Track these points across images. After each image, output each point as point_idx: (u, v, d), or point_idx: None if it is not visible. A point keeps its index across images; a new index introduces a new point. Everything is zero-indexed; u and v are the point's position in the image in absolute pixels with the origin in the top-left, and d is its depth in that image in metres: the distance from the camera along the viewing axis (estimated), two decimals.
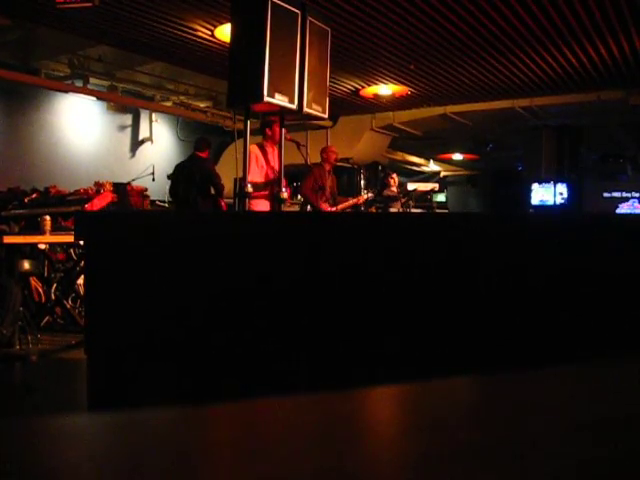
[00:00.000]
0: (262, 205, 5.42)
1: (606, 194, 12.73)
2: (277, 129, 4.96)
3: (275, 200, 4.75)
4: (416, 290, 1.93)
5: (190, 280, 2.03)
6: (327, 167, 6.95)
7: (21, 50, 8.79)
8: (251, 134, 4.29)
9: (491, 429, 0.50)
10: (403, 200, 8.43)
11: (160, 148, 11.80)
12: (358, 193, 8.00)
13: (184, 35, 7.39)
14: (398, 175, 9.28)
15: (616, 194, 12.73)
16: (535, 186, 11.77)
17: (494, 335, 1.85)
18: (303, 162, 5.80)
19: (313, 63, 4.28)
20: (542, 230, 1.98)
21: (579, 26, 6.76)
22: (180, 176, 7.39)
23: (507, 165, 16.98)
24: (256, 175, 5.37)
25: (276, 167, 5.15)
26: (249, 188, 4.23)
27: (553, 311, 1.86)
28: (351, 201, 7.27)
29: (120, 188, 6.42)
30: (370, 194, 7.96)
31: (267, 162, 5.54)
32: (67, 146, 10.09)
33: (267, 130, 5.58)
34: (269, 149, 5.57)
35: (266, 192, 5.35)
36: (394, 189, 8.80)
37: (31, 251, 6.07)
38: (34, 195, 6.43)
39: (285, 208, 4.84)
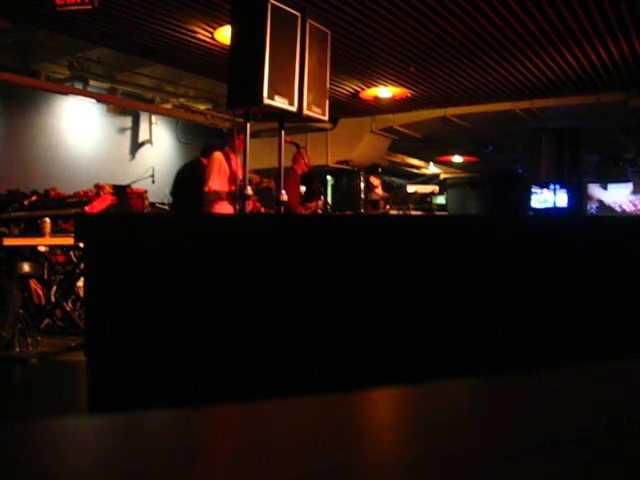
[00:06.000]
0: (225, 209, 5.51)
1: None
2: (239, 141, 5.23)
3: (275, 203, 4.75)
4: (414, 293, 1.93)
5: (190, 282, 2.03)
6: (299, 172, 6.91)
7: (21, 52, 8.80)
8: (251, 137, 4.30)
9: (490, 430, 0.50)
10: (384, 204, 8.35)
11: (160, 150, 11.79)
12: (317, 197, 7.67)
13: (184, 37, 7.39)
14: (379, 177, 9.05)
15: None
16: (535, 188, 11.77)
17: (493, 337, 1.85)
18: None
19: (313, 65, 4.29)
20: (542, 233, 1.99)
21: (579, 28, 6.76)
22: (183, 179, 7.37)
23: (507, 168, 16.98)
24: (217, 180, 5.61)
25: (238, 174, 5.30)
26: (249, 191, 4.24)
27: (552, 313, 1.86)
28: (312, 205, 7.11)
29: (120, 191, 6.42)
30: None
31: (230, 168, 5.71)
32: (67, 148, 10.09)
33: (233, 140, 5.67)
34: (232, 156, 5.69)
35: (227, 195, 5.51)
36: (379, 191, 8.72)
37: (31, 253, 6.07)
38: (34, 197, 6.43)
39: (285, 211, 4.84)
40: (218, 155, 5.78)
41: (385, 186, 9.52)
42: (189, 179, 7.20)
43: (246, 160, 4.27)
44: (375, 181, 8.78)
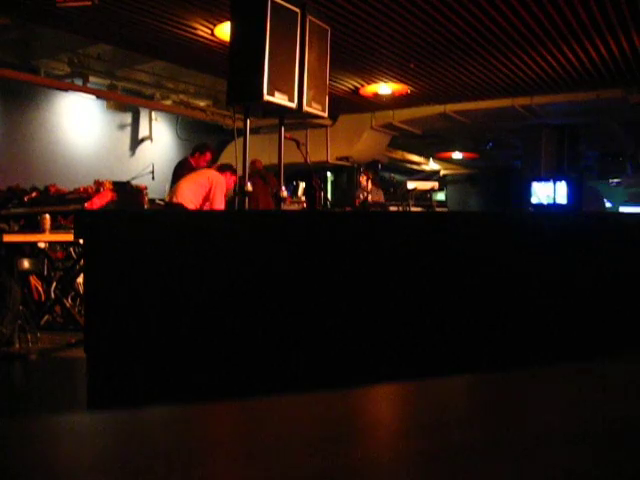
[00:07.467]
0: None
1: None
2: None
3: (275, 199, 4.75)
4: (414, 289, 1.93)
5: (190, 279, 2.03)
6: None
7: (21, 49, 8.79)
8: (251, 133, 4.29)
9: (490, 429, 0.50)
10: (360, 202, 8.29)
11: (160, 147, 11.79)
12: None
13: (184, 34, 7.38)
14: (367, 173, 8.91)
15: None
16: (535, 185, 11.76)
17: (493, 334, 1.85)
18: (303, 161, 5.80)
19: (313, 62, 4.28)
20: (541, 229, 1.98)
21: (579, 25, 6.76)
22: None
23: (507, 164, 16.98)
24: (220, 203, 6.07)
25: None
26: (249, 187, 4.24)
27: (551, 311, 1.86)
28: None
29: (123, 188, 6.42)
30: None
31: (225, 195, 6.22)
32: (67, 145, 10.08)
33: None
34: (231, 180, 6.18)
35: None
36: (368, 188, 8.62)
37: (31, 250, 6.07)
38: (34, 194, 6.42)
39: (285, 207, 4.84)
40: (224, 180, 6.27)
41: (382, 182, 9.45)
42: (180, 178, 7.21)
43: (245, 158, 4.27)
44: (363, 178, 8.57)
